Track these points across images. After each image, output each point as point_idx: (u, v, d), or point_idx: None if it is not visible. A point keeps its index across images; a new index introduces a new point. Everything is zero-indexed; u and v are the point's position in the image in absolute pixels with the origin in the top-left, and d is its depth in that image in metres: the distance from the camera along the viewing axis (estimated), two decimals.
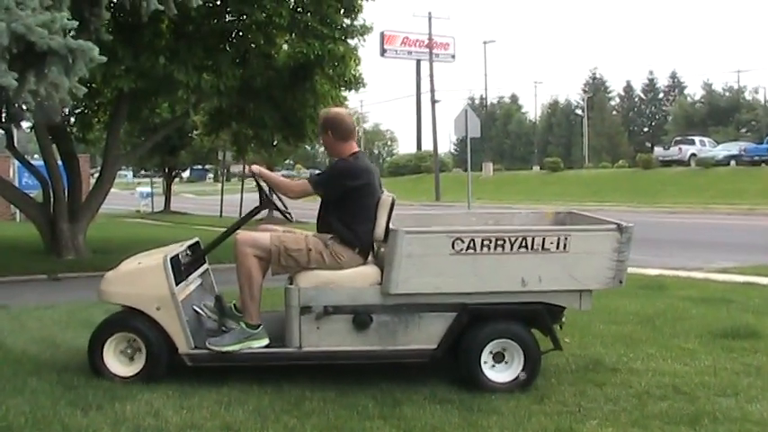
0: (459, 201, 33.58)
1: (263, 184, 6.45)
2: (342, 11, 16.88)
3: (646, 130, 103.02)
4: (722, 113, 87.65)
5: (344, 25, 17.12)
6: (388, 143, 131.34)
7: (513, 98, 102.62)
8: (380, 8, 43.42)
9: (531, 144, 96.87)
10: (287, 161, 78.03)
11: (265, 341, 6.08)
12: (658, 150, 57.96)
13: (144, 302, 6.01)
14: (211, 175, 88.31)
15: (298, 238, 6.17)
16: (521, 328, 6.01)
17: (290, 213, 6.66)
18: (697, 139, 58.15)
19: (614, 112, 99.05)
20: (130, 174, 77.30)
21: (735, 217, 29.98)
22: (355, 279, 6.06)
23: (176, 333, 5.97)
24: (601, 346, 7.38)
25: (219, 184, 44.39)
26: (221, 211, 36.51)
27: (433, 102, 57.22)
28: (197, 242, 6.96)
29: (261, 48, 16.70)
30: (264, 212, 6.93)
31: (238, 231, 6.36)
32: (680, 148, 54.47)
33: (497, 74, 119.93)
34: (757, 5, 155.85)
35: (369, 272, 6.13)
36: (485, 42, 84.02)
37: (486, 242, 5.79)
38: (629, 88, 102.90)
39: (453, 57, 75.95)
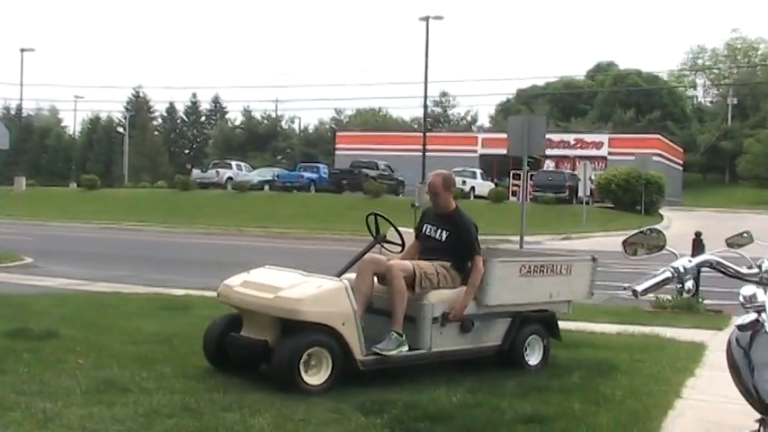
0: None
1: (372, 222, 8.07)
2: None
3: (187, 151, 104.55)
4: (261, 140, 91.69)
5: None
6: None
7: (53, 111, 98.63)
8: None
9: (71, 160, 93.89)
10: None
11: (407, 347, 7.27)
12: (196, 172, 58.83)
13: (334, 319, 6.95)
14: None
15: (429, 265, 7.60)
16: (541, 328, 8.25)
17: (402, 245, 8.08)
18: (234, 163, 60.21)
19: (156, 132, 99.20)
20: None
21: (267, 239, 31.25)
22: (462, 295, 7.66)
23: (355, 343, 7.00)
24: (117, 367, 7.33)
25: None
26: None
27: None
28: None
29: None
30: None
31: (377, 259, 7.63)
32: (217, 171, 55.99)
33: (37, 85, 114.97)
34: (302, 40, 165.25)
35: None
36: (22, 50, 79.81)
37: (536, 267, 8.01)
38: (172, 109, 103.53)
39: None
